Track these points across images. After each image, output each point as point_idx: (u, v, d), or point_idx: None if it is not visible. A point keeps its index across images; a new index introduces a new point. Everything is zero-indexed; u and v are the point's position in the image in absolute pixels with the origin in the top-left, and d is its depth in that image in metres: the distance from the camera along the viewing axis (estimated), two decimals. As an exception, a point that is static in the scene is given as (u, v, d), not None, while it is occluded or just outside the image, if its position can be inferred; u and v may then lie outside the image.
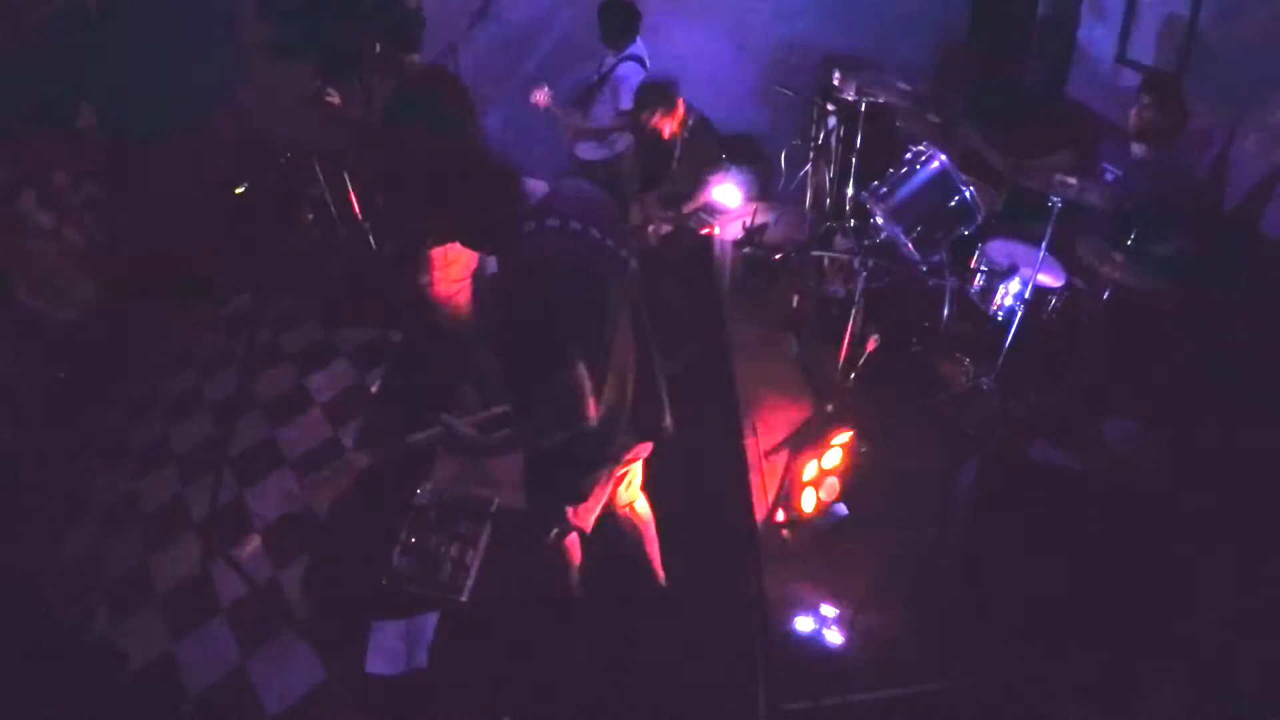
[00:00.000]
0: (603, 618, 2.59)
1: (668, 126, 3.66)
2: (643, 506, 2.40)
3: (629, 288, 1.76)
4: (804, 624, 2.40)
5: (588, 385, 1.59)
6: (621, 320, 1.75)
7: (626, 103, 3.83)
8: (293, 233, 4.70)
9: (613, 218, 1.75)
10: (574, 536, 2.19)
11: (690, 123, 3.76)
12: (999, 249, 3.21)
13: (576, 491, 1.95)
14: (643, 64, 3.95)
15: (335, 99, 2.89)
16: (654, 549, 2.50)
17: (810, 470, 2.74)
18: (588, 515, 2.06)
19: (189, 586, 3.06)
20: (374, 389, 3.83)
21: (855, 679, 2.25)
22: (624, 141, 4.19)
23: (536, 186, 1.67)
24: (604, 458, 1.92)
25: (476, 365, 3.19)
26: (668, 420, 2.03)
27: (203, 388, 4.12)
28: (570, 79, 4.37)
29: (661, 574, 2.57)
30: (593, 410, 1.61)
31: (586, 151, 4.24)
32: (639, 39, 3.97)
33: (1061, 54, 4.10)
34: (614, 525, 2.34)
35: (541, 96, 3.97)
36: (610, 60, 3.98)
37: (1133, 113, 2.96)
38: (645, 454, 2.10)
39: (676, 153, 3.82)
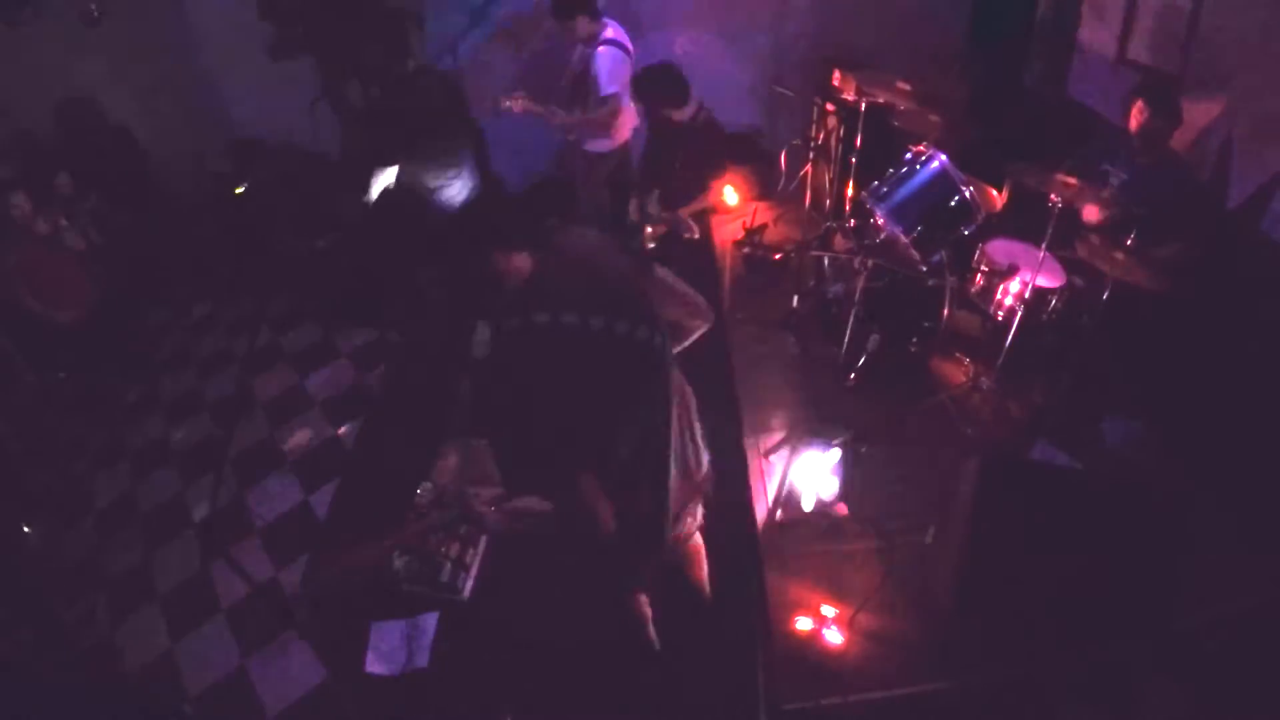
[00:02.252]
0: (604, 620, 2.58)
1: (677, 114, 3.64)
2: (698, 540, 2.35)
3: (645, 372, 1.52)
4: (804, 624, 2.40)
5: (599, 498, 1.42)
6: (639, 411, 1.53)
7: (606, 88, 3.79)
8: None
9: (620, 286, 1.47)
10: (642, 596, 2.19)
11: (700, 119, 3.75)
12: (999, 249, 3.21)
13: (638, 577, 1.90)
14: (619, 47, 3.85)
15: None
16: (701, 572, 2.41)
17: (810, 470, 2.73)
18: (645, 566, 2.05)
19: (189, 586, 3.06)
20: (343, 431, 3.75)
21: (855, 679, 2.25)
22: (628, 126, 4.13)
23: (520, 264, 1.39)
24: (660, 543, 1.84)
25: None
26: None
27: (203, 388, 4.12)
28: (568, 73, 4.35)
29: (708, 594, 2.44)
30: (609, 519, 1.44)
31: (595, 145, 4.20)
32: (612, 24, 3.89)
33: (1061, 54, 4.10)
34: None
35: (516, 104, 3.81)
36: (588, 51, 3.93)
37: (1132, 121, 2.95)
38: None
39: (682, 148, 3.80)
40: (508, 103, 3.84)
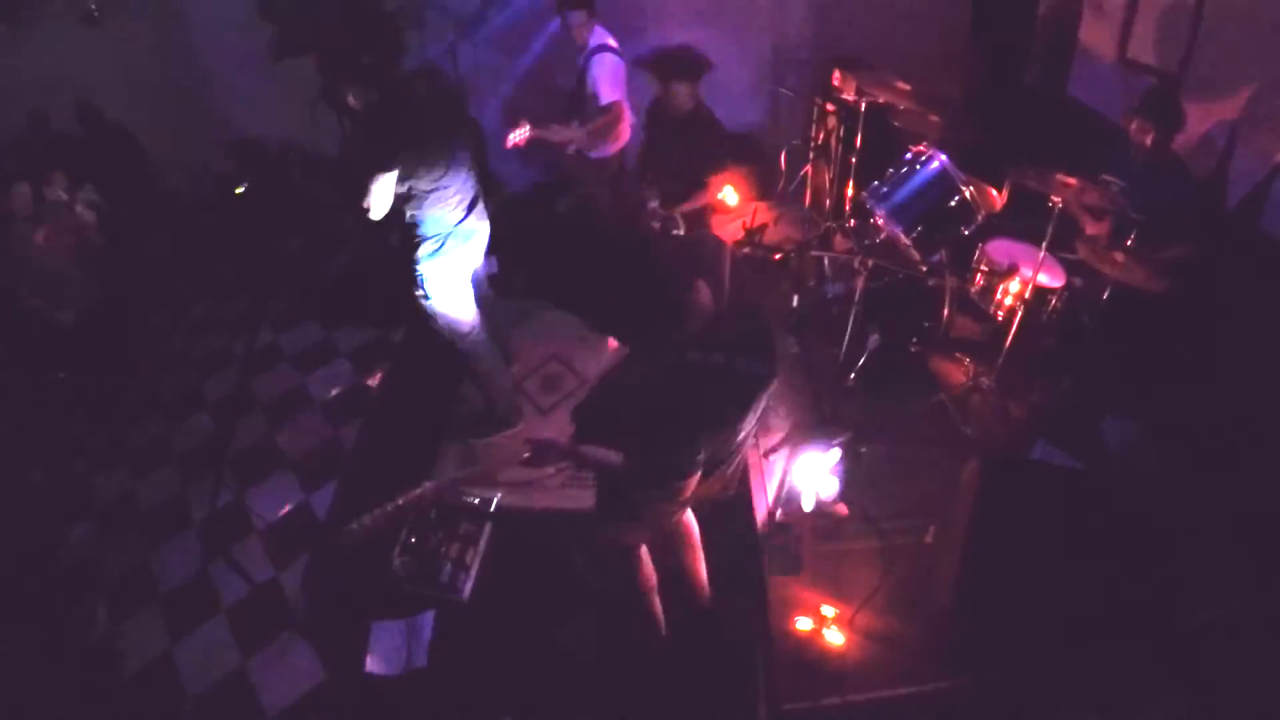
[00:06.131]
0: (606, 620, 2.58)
1: (681, 97, 3.56)
2: (689, 517, 2.36)
3: (753, 399, 1.79)
4: (804, 624, 2.40)
5: (692, 484, 1.67)
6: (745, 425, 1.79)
7: (605, 96, 3.75)
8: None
9: (763, 324, 1.79)
10: (645, 554, 2.22)
11: (700, 117, 3.72)
12: (999, 249, 3.21)
13: (636, 512, 1.98)
14: (614, 52, 3.75)
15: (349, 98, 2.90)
16: (699, 563, 2.43)
17: (810, 470, 2.73)
18: (643, 534, 2.13)
19: (189, 586, 3.06)
20: (372, 382, 3.87)
21: (855, 679, 2.25)
22: (629, 126, 4.10)
23: (706, 299, 1.63)
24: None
25: (479, 367, 3.18)
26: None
27: (203, 388, 4.11)
28: (564, 80, 4.33)
29: (707, 590, 2.47)
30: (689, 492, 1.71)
31: (599, 151, 4.17)
32: (600, 27, 3.77)
33: (1061, 54, 4.10)
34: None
35: (520, 136, 3.64)
36: (581, 60, 3.89)
37: (1133, 136, 2.92)
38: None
39: (679, 142, 3.76)
40: (514, 140, 3.66)
